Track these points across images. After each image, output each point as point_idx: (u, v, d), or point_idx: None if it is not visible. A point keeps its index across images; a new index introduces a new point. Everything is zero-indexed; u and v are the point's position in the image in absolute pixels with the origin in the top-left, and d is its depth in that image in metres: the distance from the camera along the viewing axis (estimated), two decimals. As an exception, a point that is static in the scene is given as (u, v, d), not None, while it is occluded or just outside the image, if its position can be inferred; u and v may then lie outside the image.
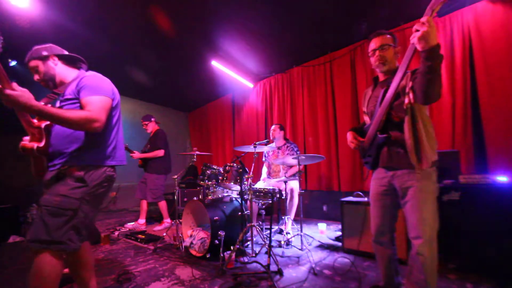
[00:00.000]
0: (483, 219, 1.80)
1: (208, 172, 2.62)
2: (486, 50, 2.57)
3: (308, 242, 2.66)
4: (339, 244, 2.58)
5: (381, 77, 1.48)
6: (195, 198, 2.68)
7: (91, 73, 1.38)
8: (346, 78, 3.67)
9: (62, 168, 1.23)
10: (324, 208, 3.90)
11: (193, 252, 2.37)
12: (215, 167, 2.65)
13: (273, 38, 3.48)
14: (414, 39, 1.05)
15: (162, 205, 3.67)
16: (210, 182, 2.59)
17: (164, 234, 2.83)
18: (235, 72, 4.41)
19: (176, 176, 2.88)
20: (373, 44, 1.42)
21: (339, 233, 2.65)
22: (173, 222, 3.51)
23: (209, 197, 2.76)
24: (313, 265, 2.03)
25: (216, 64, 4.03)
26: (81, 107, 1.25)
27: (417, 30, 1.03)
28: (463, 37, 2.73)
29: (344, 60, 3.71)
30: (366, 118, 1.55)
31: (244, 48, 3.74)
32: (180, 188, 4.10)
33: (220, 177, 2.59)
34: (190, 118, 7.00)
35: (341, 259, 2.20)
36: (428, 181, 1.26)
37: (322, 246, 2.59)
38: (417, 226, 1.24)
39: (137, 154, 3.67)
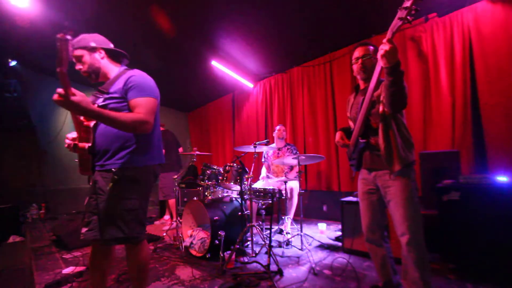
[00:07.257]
0: (483, 219, 1.80)
1: (208, 172, 2.62)
2: (486, 50, 2.56)
3: (308, 242, 2.66)
4: (339, 244, 2.58)
5: (362, 85, 1.58)
6: (195, 198, 2.68)
7: (137, 71, 1.38)
8: (346, 78, 3.66)
9: (117, 170, 1.25)
10: (324, 208, 3.89)
11: (193, 252, 2.37)
12: (215, 167, 2.65)
13: (273, 38, 3.48)
14: (378, 56, 1.16)
15: (171, 203, 3.76)
16: (210, 182, 2.59)
17: (164, 234, 2.83)
18: (235, 72, 4.40)
19: (176, 176, 2.89)
20: (357, 52, 1.51)
21: (339, 233, 2.65)
22: (173, 222, 3.51)
23: (209, 197, 2.76)
24: (313, 265, 2.04)
25: (216, 64, 4.03)
26: (129, 108, 1.27)
27: (381, 49, 1.13)
28: (463, 37, 2.72)
29: (344, 60, 3.70)
30: (351, 123, 1.66)
31: (244, 48, 3.74)
32: (180, 188, 4.11)
33: (220, 177, 2.59)
34: (190, 118, 6.99)
35: (341, 259, 2.19)
36: (406, 180, 1.33)
37: (322, 246, 2.59)
38: (402, 223, 1.31)
39: None
